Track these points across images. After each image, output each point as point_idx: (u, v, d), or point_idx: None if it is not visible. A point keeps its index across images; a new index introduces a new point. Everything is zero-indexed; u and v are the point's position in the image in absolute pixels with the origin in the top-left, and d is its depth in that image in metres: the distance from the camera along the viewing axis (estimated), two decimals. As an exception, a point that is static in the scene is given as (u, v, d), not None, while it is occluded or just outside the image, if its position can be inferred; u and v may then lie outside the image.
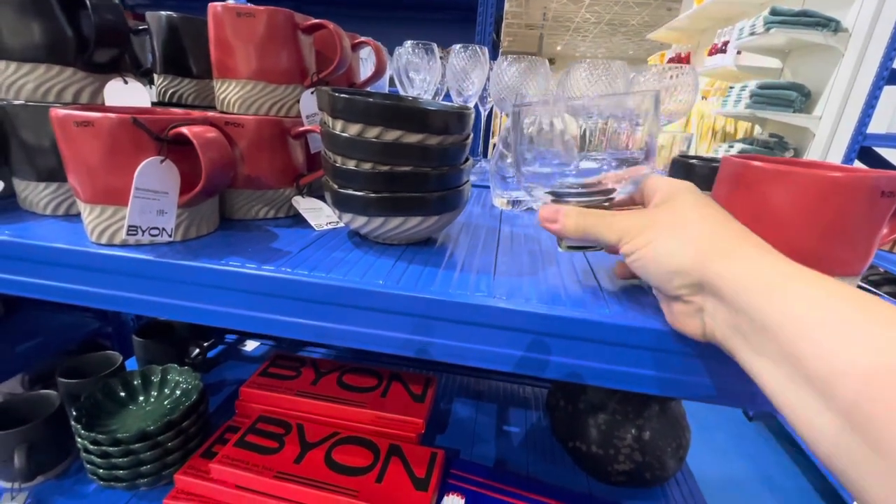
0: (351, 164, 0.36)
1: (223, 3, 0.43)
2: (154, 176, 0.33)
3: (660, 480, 0.58)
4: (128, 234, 0.33)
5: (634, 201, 0.34)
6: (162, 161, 0.34)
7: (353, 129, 0.34)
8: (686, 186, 0.29)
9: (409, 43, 0.69)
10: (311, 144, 0.49)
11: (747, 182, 0.31)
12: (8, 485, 0.53)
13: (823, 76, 2.14)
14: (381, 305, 0.32)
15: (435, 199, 0.37)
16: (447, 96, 0.76)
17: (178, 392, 0.61)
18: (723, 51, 2.91)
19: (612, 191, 0.35)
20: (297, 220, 0.47)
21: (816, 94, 2.17)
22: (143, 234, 0.34)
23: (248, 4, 0.43)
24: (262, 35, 0.43)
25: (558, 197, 0.37)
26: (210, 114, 0.41)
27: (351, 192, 0.36)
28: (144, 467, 0.52)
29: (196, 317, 0.35)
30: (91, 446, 0.50)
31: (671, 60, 4.55)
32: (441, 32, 1.52)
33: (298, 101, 0.47)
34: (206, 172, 0.34)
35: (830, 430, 0.18)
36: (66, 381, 0.61)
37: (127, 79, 0.41)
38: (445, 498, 0.54)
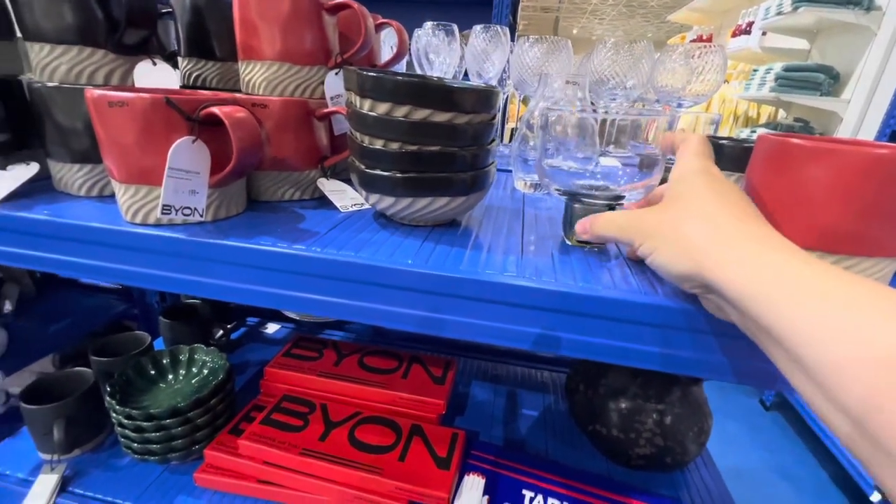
0: (378, 144, 0.36)
1: (248, -17, 0.43)
2: (186, 156, 0.34)
3: (680, 465, 0.58)
4: (162, 213, 0.34)
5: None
6: (194, 141, 0.34)
7: (382, 109, 0.34)
8: (696, 171, 0.28)
9: (428, 24, 0.69)
10: (334, 126, 0.49)
11: (786, 160, 0.30)
12: (47, 456, 0.56)
13: (854, 57, 2.06)
14: (410, 284, 0.32)
15: (462, 179, 0.36)
16: (465, 78, 0.75)
17: (205, 371, 0.63)
18: (747, 32, 2.81)
19: (622, 196, 0.35)
20: (322, 202, 0.47)
21: (846, 76, 2.09)
22: (176, 214, 0.35)
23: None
24: (288, 16, 0.43)
25: (571, 196, 0.37)
26: (238, 95, 0.41)
27: (378, 172, 0.36)
28: (176, 442, 0.54)
29: (227, 295, 0.35)
30: (125, 421, 0.52)
31: (693, 42, 4.42)
32: (457, 14, 1.50)
33: (323, 83, 0.47)
34: (237, 152, 0.34)
35: (844, 429, 0.19)
36: (98, 359, 0.63)
37: (156, 60, 0.42)
38: (466, 477, 0.55)
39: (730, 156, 0.43)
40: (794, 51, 2.52)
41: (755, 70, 2.40)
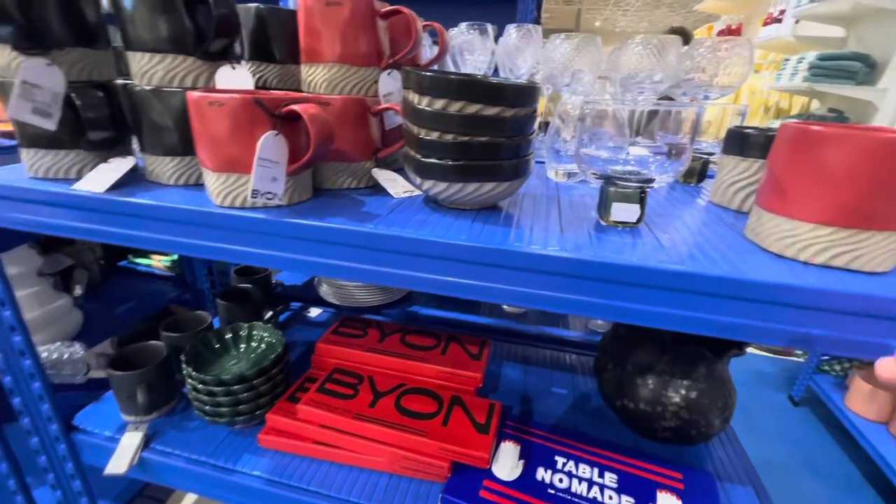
0: (434, 136, 0.41)
1: (313, -7, 0.48)
2: (271, 147, 0.40)
3: (705, 438, 0.62)
4: (252, 197, 0.39)
5: None
6: (276, 135, 0.40)
7: (438, 104, 0.39)
8: None
9: (463, 24, 0.73)
10: (385, 121, 0.54)
11: (805, 145, 0.34)
12: (131, 418, 0.63)
13: (892, 45, 2.00)
14: (467, 257, 0.37)
15: (507, 166, 0.41)
16: (495, 74, 0.79)
17: (262, 345, 0.70)
18: (779, 20, 2.75)
19: (653, 179, 0.39)
20: (375, 189, 0.52)
21: (883, 64, 2.04)
22: (260, 198, 0.40)
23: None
24: (347, 22, 0.48)
25: (607, 180, 0.41)
26: (306, 94, 0.47)
27: (433, 160, 0.41)
28: (242, 406, 0.60)
29: (304, 268, 0.41)
30: (199, 386, 0.59)
31: (721, 33, 4.31)
32: (482, 9, 1.53)
33: (376, 82, 0.52)
34: (315, 144, 0.39)
35: None
36: (169, 334, 0.70)
37: (234, 65, 0.48)
38: (502, 444, 0.59)
39: (755, 144, 0.47)
40: (830, 39, 2.45)
41: (787, 59, 2.35)
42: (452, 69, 0.76)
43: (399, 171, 0.55)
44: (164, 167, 0.48)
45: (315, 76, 0.51)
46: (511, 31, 0.73)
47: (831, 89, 2.05)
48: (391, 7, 0.50)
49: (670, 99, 0.70)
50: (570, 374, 0.81)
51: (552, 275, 0.36)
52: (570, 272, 0.35)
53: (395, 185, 0.51)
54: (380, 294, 0.99)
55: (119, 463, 0.58)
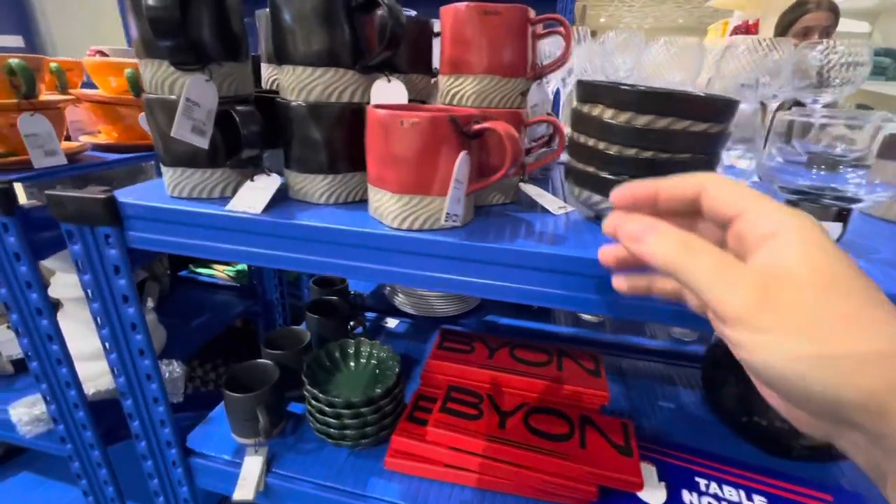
0: (613, 150, 0.39)
1: (465, 2, 0.46)
2: (464, 168, 0.37)
3: (842, 456, 0.60)
4: (445, 220, 0.37)
5: (691, 209, 0.24)
6: (468, 154, 0.38)
7: (623, 118, 0.37)
8: (818, 234, 0.20)
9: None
10: (528, 134, 0.52)
11: None
12: (249, 440, 0.61)
13: (924, 39, 1.98)
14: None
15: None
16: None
17: (373, 362, 0.68)
18: None
19: (858, 199, 0.37)
20: (521, 206, 0.50)
21: (911, 59, 2.01)
22: (450, 220, 0.38)
23: (487, 3, 0.46)
24: (504, 32, 0.46)
25: (798, 194, 0.39)
26: (470, 109, 0.45)
27: (609, 175, 0.39)
28: (368, 428, 0.58)
29: (491, 292, 0.39)
30: (327, 409, 0.57)
31: (736, 30, 4.26)
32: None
33: (522, 94, 0.50)
34: (511, 161, 0.37)
35: None
36: (272, 351, 0.68)
37: (389, 78, 0.45)
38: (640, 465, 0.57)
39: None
40: (854, 34, 2.43)
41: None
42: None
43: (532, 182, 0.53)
44: (315, 185, 0.46)
45: (462, 88, 0.48)
46: (611, 36, 0.72)
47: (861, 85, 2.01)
48: (546, 15, 0.48)
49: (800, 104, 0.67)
50: (672, 387, 0.79)
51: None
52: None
53: (546, 199, 0.49)
54: (458, 303, 0.97)
55: (246, 489, 0.56)
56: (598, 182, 0.41)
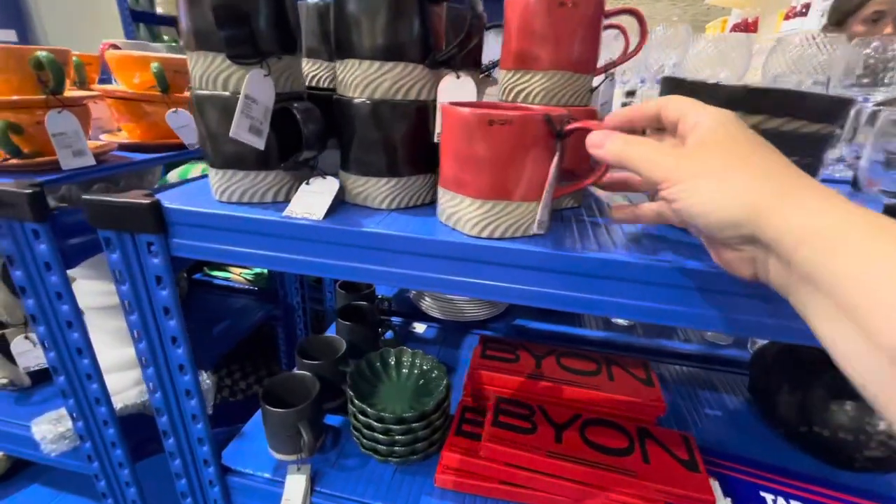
0: None
1: (536, -8, 0.43)
2: (557, 171, 0.34)
3: (908, 467, 0.58)
4: (538, 228, 0.34)
5: (658, 125, 0.31)
6: (560, 157, 0.35)
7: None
8: (730, 119, 0.27)
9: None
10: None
11: None
12: (291, 457, 0.58)
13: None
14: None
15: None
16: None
17: (415, 372, 0.65)
18: (803, 14, 2.71)
19: None
20: (590, 209, 0.47)
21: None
22: (540, 227, 0.35)
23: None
24: (578, 24, 0.43)
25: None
26: (553, 108, 0.42)
27: None
28: (419, 444, 0.55)
29: (587, 307, 0.36)
30: (376, 423, 0.54)
31: (735, 28, 4.27)
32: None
33: (590, 91, 0.47)
34: (607, 165, 0.34)
35: (872, 365, 0.21)
36: (308, 361, 0.64)
37: (459, 74, 0.42)
38: (700, 479, 0.55)
39: None
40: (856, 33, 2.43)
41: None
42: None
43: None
44: (377, 189, 0.43)
45: (529, 85, 0.45)
46: (659, 32, 0.69)
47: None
48: (623, 6, 0.45)
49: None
50: (715, 393, 0.77)
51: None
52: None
53: (619, 202, 0.46)
54: (488, 308, 0.95)
55: (291, 510, 0.53)
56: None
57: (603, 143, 0.31)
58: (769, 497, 0.54)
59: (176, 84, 0.66)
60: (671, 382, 0.79)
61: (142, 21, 1.92)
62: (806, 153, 0.35)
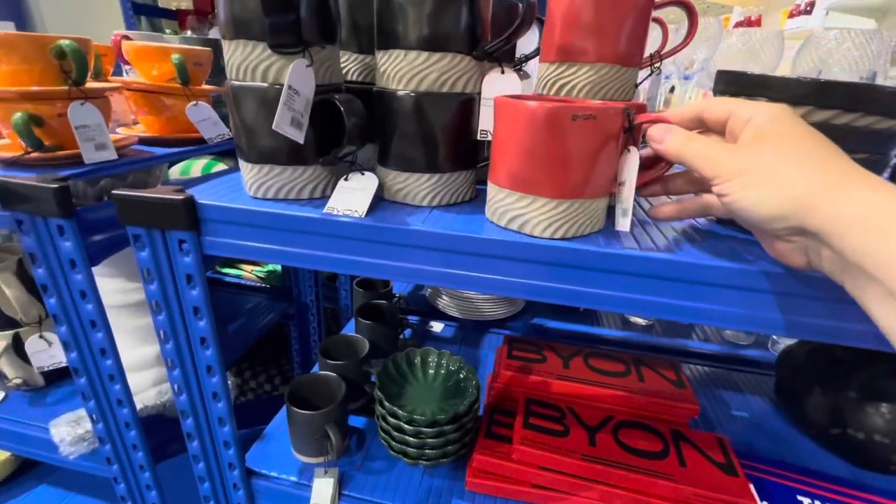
0: None
1: (585, -18, 0.41)
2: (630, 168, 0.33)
3: (943, 469, 0.57)
4: (624, 226, 0.33)
5: (697, 127, 0.32)
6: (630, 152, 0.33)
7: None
8: (785, 112, 0.27)
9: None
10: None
11: None
12: (317, 460, 0.57)
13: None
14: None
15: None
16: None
17: (442, 372, 0.63)
18: (807, 12, 2.71)
19: None
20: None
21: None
22: (623, 225, 0.34)
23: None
24: (628, 14, 0.41)
25: None
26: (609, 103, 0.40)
27: None
28: (450, 447, 0.54)
29: (656, 312, 0.34)
30: (406, 426, 0.52)
31: (738, 25, 4.26)
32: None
33: (635, 86, 0.46)
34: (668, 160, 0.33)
35: None
36: (332, 362, 0.63)
37: (504, 67, 0.41)
38: (735, 482, 0.54)
39: None
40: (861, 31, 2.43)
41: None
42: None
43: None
44: (418, 186, 0.41)
45: (575, 78, 0.44)
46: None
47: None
48: (674, -3, 0.43)
49: None
50: (739, 395, 0.76)
51: None
52: None
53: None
54: (506, 306, 0.93)
55: (320, 514, 0.52)
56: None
57: (664, 138, 0.31)
58: (806, 501, 0.53)
59: (195, 77, 0.64)
60: (694, 383, 0.78)
61: (144, 14, 1.89)
62: (876, 149, 0.34)
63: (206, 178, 0.54)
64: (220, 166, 1.06)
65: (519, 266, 0.35)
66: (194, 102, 0.62)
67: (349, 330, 0.84)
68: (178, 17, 2.05)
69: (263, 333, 0.94)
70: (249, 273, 1.05)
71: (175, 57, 0.60)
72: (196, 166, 1.10)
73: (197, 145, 0.65)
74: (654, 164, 0.37)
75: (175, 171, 1.09)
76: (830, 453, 0.63)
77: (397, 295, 0.90)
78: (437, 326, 0.92)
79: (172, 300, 0.45)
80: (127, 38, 0.80)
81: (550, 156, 0.33)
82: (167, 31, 2.01)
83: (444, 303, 0.94)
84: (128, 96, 0.63)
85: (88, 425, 0.57)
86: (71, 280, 0.46)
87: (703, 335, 0.94)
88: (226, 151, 0.85)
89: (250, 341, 0.89)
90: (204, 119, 0.63)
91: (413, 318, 0.94)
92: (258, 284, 1.04)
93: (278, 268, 1.02)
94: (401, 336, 0.80)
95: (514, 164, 0.35)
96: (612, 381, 0.62)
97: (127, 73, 0.85)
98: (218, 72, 0.62)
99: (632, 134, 0.33)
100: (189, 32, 1.93)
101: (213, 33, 1.80)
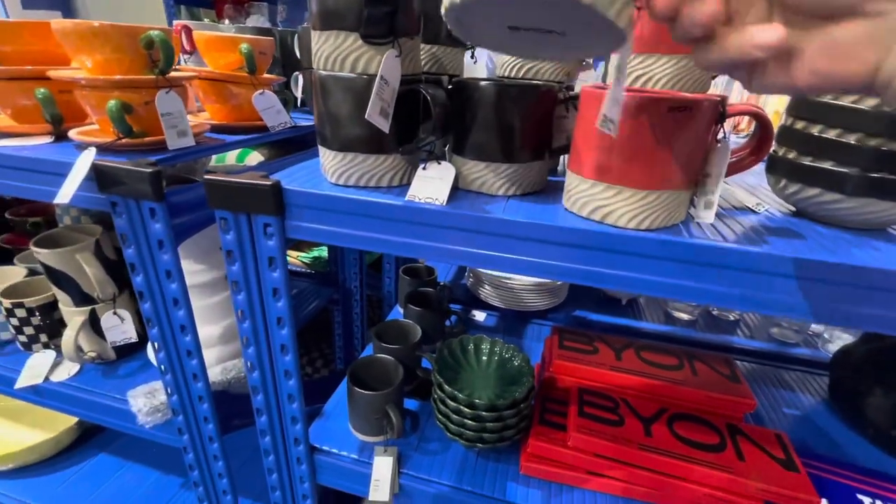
0: (852, 139, 0.34)
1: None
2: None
3: None
4: (707, 218, 0.34)
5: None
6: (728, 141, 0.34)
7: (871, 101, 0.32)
8: None
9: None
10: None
11: None
12: (378, 439, 0.59)
13: None
14: None
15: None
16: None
17: (495, 359, 0.64)
18: None
19: None
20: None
21: None
22: (707, 216, 0.35)
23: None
24: None
25: None
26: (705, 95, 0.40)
27: (840, 168, 0.35)
28: (508, 431, 0.55)
29: (718, 300, 0.35)
30: (466, 409, 0.54)
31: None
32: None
33: (711, 79, 0.45)
34: (768, 147, 0.33)
35: None
36: (388, 346, 0.65)
37: (587, 62, 0.41)
38: (792, 479, 0.54)
39: None
40: None
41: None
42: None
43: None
44: (496, 175, 0.42)
45: (655, 70, 0.44)
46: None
47: None
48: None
49: None
50: (790, 393, 0.75)
51: None
52: None
53: (740, 195, 0.44)
54: (549, 297, 0.94)
55: (381, 491, 0.54)
56: (811, 172, 0.37)
57: None
58: (867, 500, 0.53)
59: (260, 65, 0.66)
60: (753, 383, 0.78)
61: (183, 3, 1.93)
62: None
63: (281, 163, 0.56)
64: (255, 154, 1.09)
65: (604, 256, 0.36)
66: (261, 91, 0.63)
67: (394, 316, 0.87)
68: (214, 7, 2.08)
69: (310, 318, 0.97)
70: (295, 259, 1.08)
71: (243, 46, 0.61)
72: (231, 154, 1.12)
73: (260, 133, 0.67)
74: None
75: (232, 158, 1.12)
76: (888, 455, 0.62)
77: (441, 283, 0.91)
78: (479, 315, 0.93)
79: (252, 281, 0.47)
80: (187, 28, 0.83)
81: (641, 147, 0.33)
82: (205, 20, 2.05)
83: (487, 292, 0.95)
84: (196, 85, 0.65)
85: (163, 397, 0.60)
86: (158, 260, 0.49)
87: (748, 332, 0.93)
88: (279, 141, 0.87)
89: (298, 326, 0.91)
90: (269, 107, 0.65)
91: (455, 307, 0.96)
92: (304, 270, 1.07)
93: (324, 254, 1.05)
94: (447, 323, 0.82)
95: (600, 154, 0.35)
96: (665, 373, 0.63)
97: (185, 61, 0.87)
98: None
99: (723, 126, 0.33)
100: (227, 21, 1.97)
101: (251, 22, 1.83)
